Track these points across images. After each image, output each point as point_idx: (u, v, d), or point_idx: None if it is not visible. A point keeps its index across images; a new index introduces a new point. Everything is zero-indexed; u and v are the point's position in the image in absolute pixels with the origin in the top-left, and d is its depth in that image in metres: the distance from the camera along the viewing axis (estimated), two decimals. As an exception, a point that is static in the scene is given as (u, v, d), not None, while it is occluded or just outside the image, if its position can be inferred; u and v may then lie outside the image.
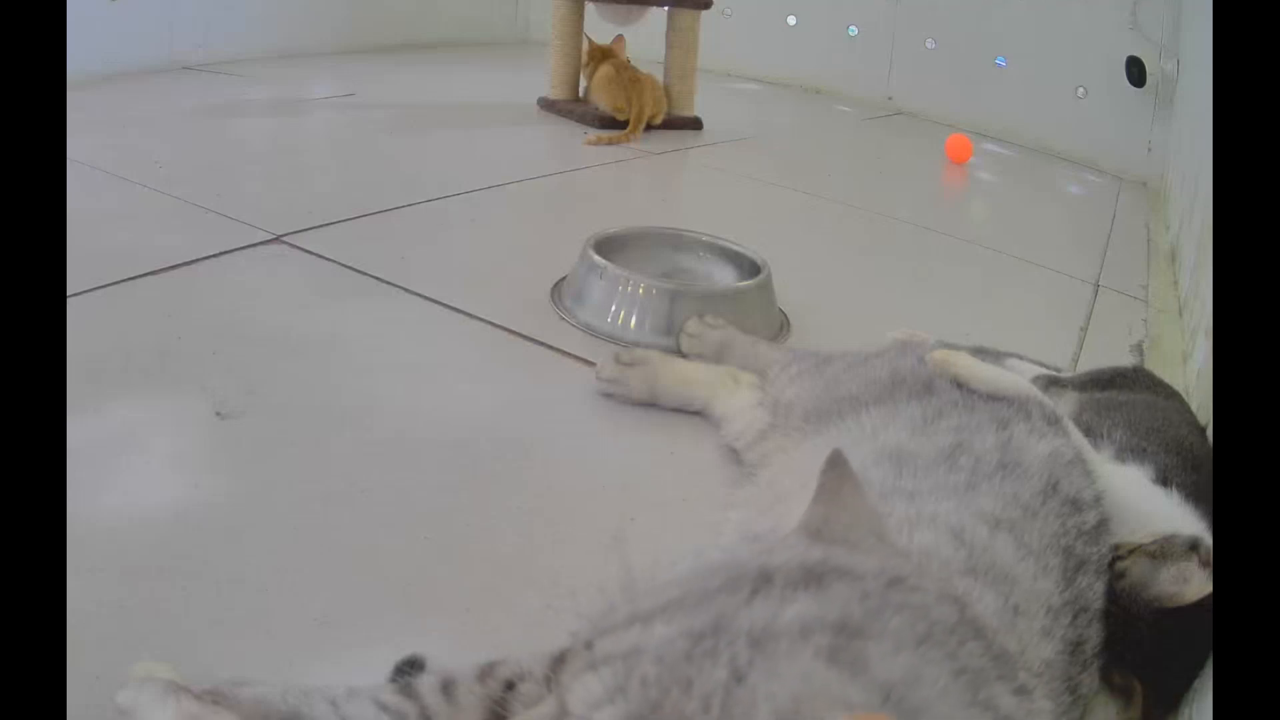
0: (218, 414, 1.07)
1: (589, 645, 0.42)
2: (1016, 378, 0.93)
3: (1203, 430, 1.00)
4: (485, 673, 0.64)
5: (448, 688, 0.63)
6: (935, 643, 0.38)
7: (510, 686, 0.63)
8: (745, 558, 0.43)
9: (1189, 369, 1.50)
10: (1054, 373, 1.12)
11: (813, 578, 0.40)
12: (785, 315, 1.50)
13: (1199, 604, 0.72)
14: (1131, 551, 0.76)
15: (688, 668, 0.37)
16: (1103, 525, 0.77)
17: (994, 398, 0.88)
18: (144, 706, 0.63)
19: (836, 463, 0.50)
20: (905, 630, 0.38)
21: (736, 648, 0.37)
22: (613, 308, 1.39)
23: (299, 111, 2.63)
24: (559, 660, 0.63)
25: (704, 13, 2.80)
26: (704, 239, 1.58)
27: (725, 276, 1.53)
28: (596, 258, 1.42)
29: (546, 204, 2.10)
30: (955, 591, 0.42)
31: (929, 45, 3.46)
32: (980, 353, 1.04)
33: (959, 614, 0.40)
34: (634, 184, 2.33)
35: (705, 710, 0.36)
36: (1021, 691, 0.40)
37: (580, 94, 2.83)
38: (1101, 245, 2.23)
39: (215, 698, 0.63)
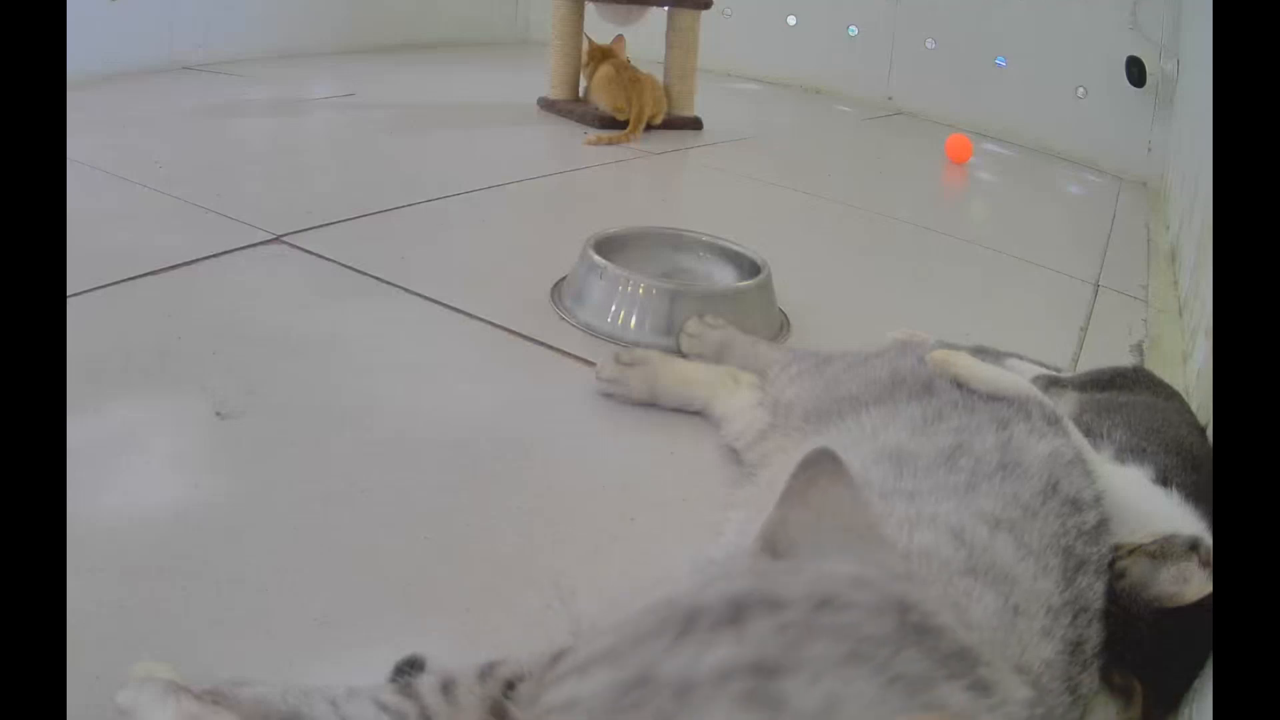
0: (218, 414, 1.07)
1: (534, 699, 0.42)
2: (1016, 378, 0.93)
3: (1203, 430, 1.00)
4: (485, 673, 0.64)
5: (448, 688, 0.63)
6: (862, 659, 0.38)
7: (511, 686, 0.63)
8: (681, 594, 0.42)
9: (1189, 369, 1.50)
10: (1054, 373, 1.12)
11: (736, 614, 0.39)
12: (785, 315, 1.50)
13: (1199, 604, 0.72)
14: (1131, 551, 0.76)
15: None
16: (1103, 525, 0.77)
17: (994, 398, 0.88)
18: (144, 706, 0.63)
19: (811, 463, 0.49)
20: (828, 654, 0.38)
21: (661, 699, 0.37)
22: (613, 308, 1.39)
23: (299, 111, 2.63)
24: (559, 659, 0.63)
25: (704, 13, 2.80)
26: (704, 239, 1.58)
27: (725, 276, 1.53)
28: (596, 258, 1.42)
29: (546, 204, 2.10)
30: (900, 596, 0.40)
31: (929, 45, 3.46)
32: (980, 353, 1.04)
33: (896, 622, 0.39)
34: (634, 184, 2.33)
35: None
36: (978, 686, 0.39)
37: (580, 94, 2.83)
38: (1101, 245, 2.23)
39: (215, 698, 0.63)
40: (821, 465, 0.48)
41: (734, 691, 0.36)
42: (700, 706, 0.36)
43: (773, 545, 0.46)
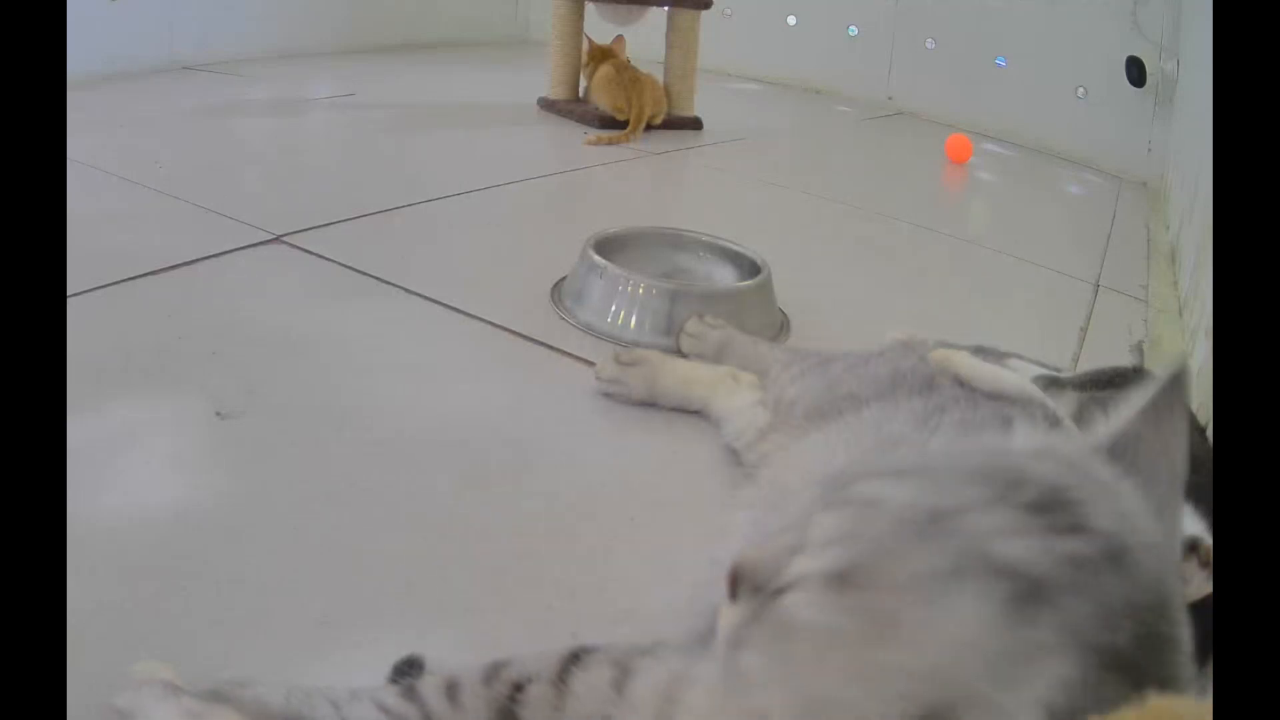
0: (218, 414, 1.07)
1: (845, 485, 0.45)
2: (1018, 377, 0.93)
3: (1203, 430, 1.00)
4: (491, 674, 0.63)
5: (452, 690, 0.63)
6: (1113, 628, 0.39)
7: (518, 689, 0.62)
8: (1012, 455, 0.44)
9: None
10: (1054, 373, 1.11)
11: (1053, 506, 0.41)
12: (785, 315, 1.50)
13: (1199, 604, 0.72)
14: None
15: (911, 543, 0.41)
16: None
17: (995, 396, 0.88)
18: (144, 706, 0.63)
19: (1179, 380, 0.48)
20: (1083, 612, 0.39)
21: (951, 545, 0.40)
22: (613, 308, 1.39)
23: (299, 111, 2.63)
24: (569, 660, 0.63)
25: (704, 13, 2.79)
26: (704, 239, 1.58)
27: (725, 276, 1.53)
28: (596, 258, 1.42)
29: (546, 204, 2.10)
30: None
31: (929, 45, 3.46)
32: (980, 353, 1.04)
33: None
34: (634, 184, 2.33)
35: (907, 587, 0.39)
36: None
37: (580, 94, 2.83)
38: (1101, 245, 2.23)
39: (224, 698, 0.63)
40: (1179, 396, 0.48)
41: (1003, 593, 0.39)
42: (968, 588, 0.39)
43: (1117, 453, 0.46)
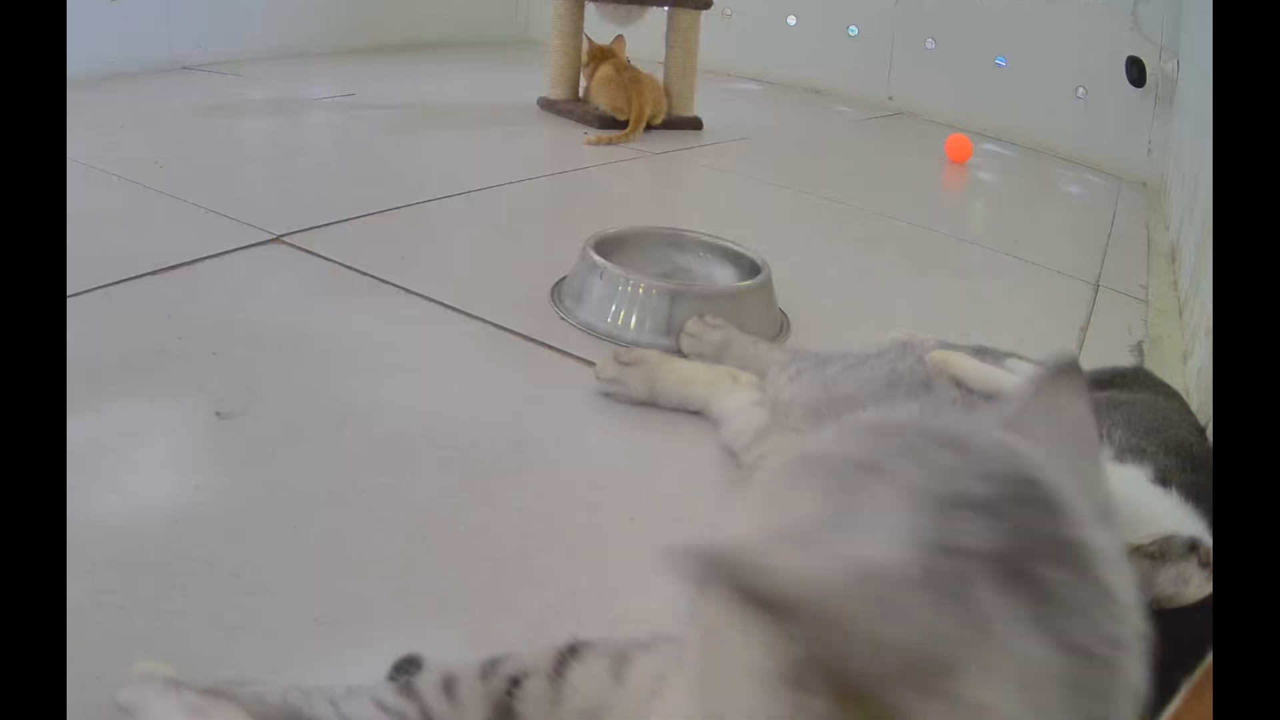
0: (218, 414, 1.07)
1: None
2: (1015, 378, 0.93)
3: (1202, 431, 1.00)
4: (488, 670, 0.64)
5: (449, 686, 0.63)
6: (929, 494, 0.39)
7: (515, 683, 0.62)
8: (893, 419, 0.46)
9: (1189, 369, 1.50)
10: (1054, 373, 1.11)
11: (882, 429, 0.42)
12: (785, 315, 1.50)
13: (1199, 604, 0.72)
14: (1130, 552, 0.76)
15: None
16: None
17: (993, 398, 0.88)
18: (146, 702, 0.63)
19: (1060, 371, 0.48)
20: (913, 479, 0.39)
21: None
22: (613, 308, 1.39)
23: (299, 111, 2.63)
24: (566, 654, 0.63)
25: (704, 13, 2.79)
26: (704, 239, 1.58)
27: (725, 276, 1.53)
28: (596, 258, 1.42)
29: (546, 204, 2.10)
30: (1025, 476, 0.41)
31: (929, 45, 3.46)
32: (980, 353, 1.04)
33: (994, 490, 0.40)
34: (634, 184, 2.33)
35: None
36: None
37: (580, 94, 2.83)
38: (1101, 245, 2.23)
39: (219, 694, 0.63)
40: (1068, 377, 0.48)
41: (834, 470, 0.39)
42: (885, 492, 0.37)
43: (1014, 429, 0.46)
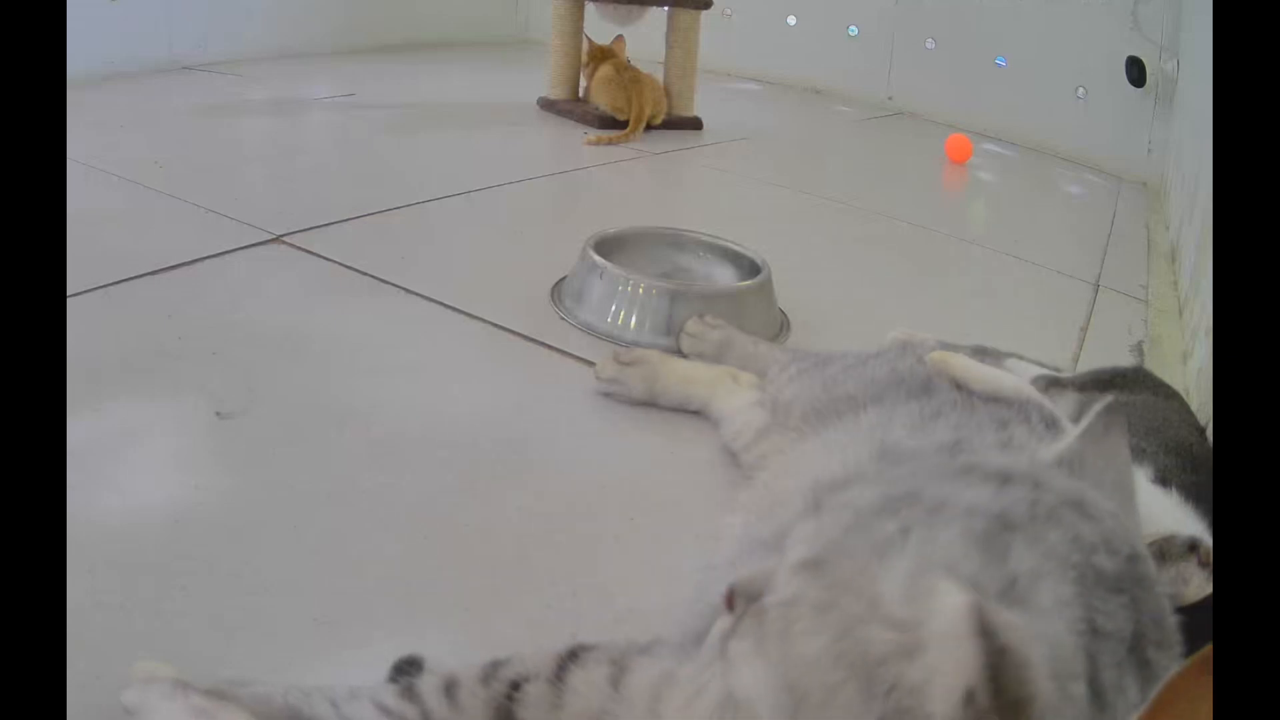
0: (218, 414, 1.07)
1: (818, 505, 0.50)
2: (1015, 379, 0.93)
3: (1202, 430, 1.00)
4: (489, 674, 0.63)
5: (450, 689, 0.63)
6: (1075, 564, 0.43)
7: (515, 688, 0.62)
8: (973, 459, 0.51)
9: (1189, 369, 1.50)
10: (1054, 373, 1.12)
11: (1003, 477, 0.46)
12: (785, 315, 1.50)
13: (1199, 604, 0.72)
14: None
15: (873, 519, 0.46)
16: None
17: (992, 399, 0.88)
18: (150, 704, 0.63)
19: (1111, 413, 0.53)
20: (1056, 541, 0.43)
21: (914, 511, 0.45)
22: (613, 308, 1.39)
23: (299, 111, 2.63)
24: (567, 659, 0.63)
25: (704, 13, 2.79)
26: (704, 239, 1.58)
27: (725, 276, 1.53)
28: (596, 258, 1.42)
29: (546, 204, 2.10)
30: (1136, 549, 0.46)
31: (929, 45, 3.46)
32: (980, 353, 1.04)
33: (1124, 560, 0.45)
34: (634, 184, 2.33)
35: (867, 555, 0.44)
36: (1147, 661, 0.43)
37: (580, 94, 2.83)
38: (1101, 245, 2.23)
39: (221, 695, 0.63)
40: (1117, 421, 0.53)
41: (972, 526, 0.43)
42: (940, 526, 0.43)
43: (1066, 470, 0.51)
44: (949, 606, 0.39)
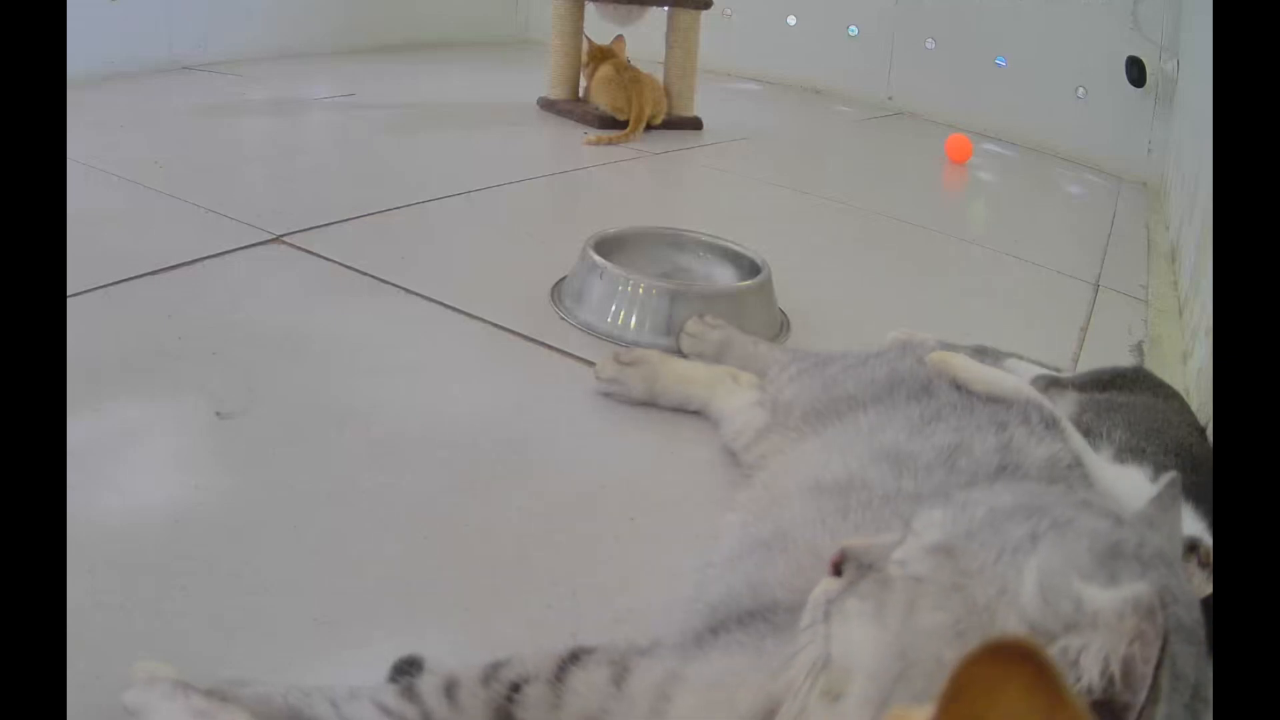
0: (218, 414, 1.07)
1: (946, 495, 0.54)
2: (1015, 380, 0.93)
3: (1202, 431, 1.00)
4: (489, 675, 0.63)
5: (450, 690, 0.63)
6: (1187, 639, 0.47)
7: (515, 689, 0.62)
8: (1087, 495, 0.56)
9: (1189, 369, 1.50)
10: (1054, 373, 1.11)
11: (1116, 517, 0.51)
12: (785, 315, 1.50)
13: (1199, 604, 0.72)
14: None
15: (1005, 521, 0.49)
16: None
17: (992, 400, 0.88)
18: (152, 705, 0.63)
19: (1174, 485, 0.60)
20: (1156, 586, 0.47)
21: (1043, 522, 0.49)
22: (613, 308, 1.39)
23: (299, 111, 2.63)
24: (567, 660, 0.63)
25: (704, 13, 2.79)
26: (704, 239, 1.58)
27: (725, 276, 1.53)
28: (596, 258, 1.42)
29: (546, 204, 2.10)
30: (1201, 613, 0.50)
31: (929, 45, 3.46)
32: (980, 353, 1.04)
33: (1194, 621, 0.49)
34: (634, 184, 2.33)
35: (999, 551, 0.48)
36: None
37: (580, 94, 2.83)
38: (1101, 245, 2.23)
39: (225, 697, 0.63)
40: (1177, 494, 0.59)
41: (1094, 546, 0.47)
42: (1061, 537, 0.48)
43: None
44: (1138, 590, 0.43)
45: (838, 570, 0.53)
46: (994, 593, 0.46)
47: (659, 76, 2.78)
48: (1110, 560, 0.47)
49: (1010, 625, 0.46)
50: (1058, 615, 0.45)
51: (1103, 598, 0.44)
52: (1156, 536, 0.52)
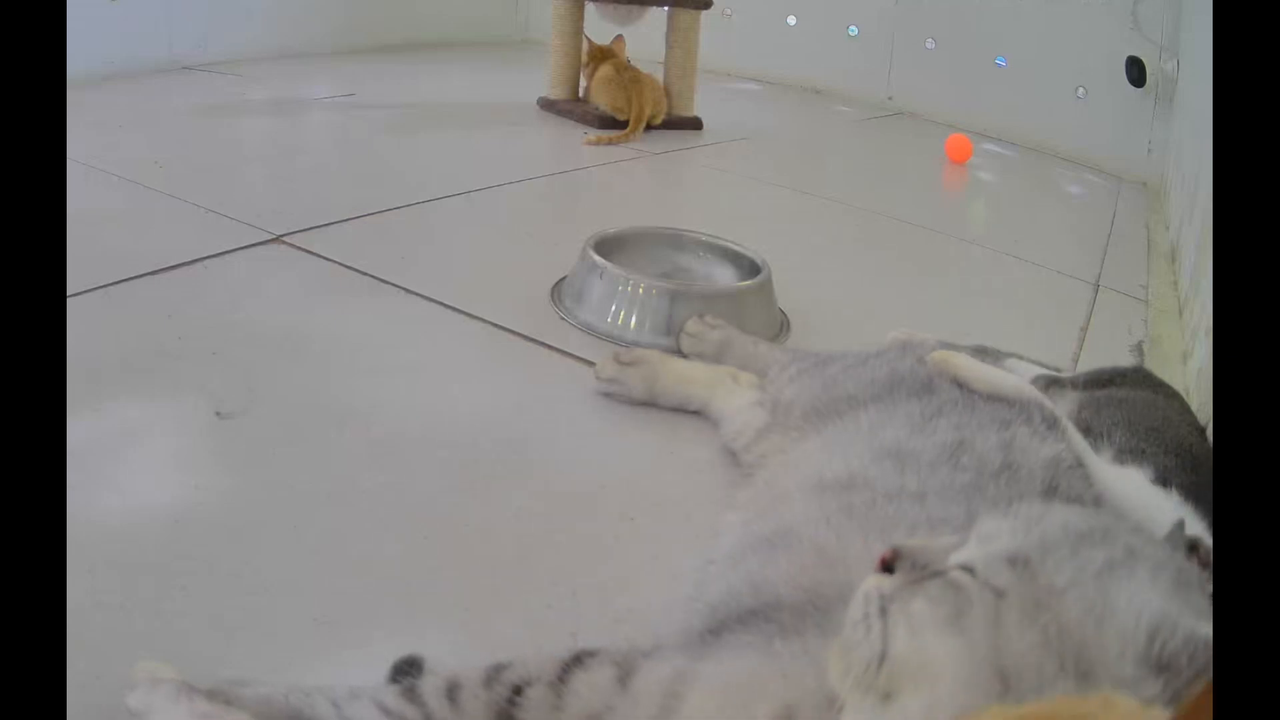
0: (218, 414, 1.07)
1: (1009, 502, 0.55)
2: (1016, 379, 0.93)
3: (1202, 431, 1.00)
4: (491, 677, 0.63)
5: (452, 692, 0.63)
6: None
7: (518, 691, 0.62)
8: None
9: (1189, 369, 1.50)
10: (1054, 373, 1.12)
11: (1163, 543, 0.53)
12: (785, 315, 1.50)
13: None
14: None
15: (1079, 543, 0.49)
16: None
17: (993, 399, 0.88)
18: (156, 708, 0.63)
19: (1181, 526, 0.63)
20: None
21: (1116, 549, 0.49)
22: (613, 308, 1.39)
23: (299, 111, 2.63)
24: (570, 663, 0.63)
25: (704, 13, 2.79)
26: (704, 239, 1.58)
27: (725, 276, 1.53)
28: (596, 258, 1.42)
29: (546, 204, 2.10)
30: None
31: (929, 45, 3.46)
32: (980, 353, 1.04)
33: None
34: (634, 184, 2.33)
35: (1081, 571, 0.48)
36: None
37: (580, 94, 2.83)
38: (1101, 245, 2.23)
39: (226, 698, 0.63)
40: (1182, 536, 0.61)
41: (1167, 574, 0.49)
42: (1140, 566, 0.48)
43: None
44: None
45: (887, 567, 0.53)
46: (1083, 614, 0.47)
47: (659, 76, 2.78)
48: (1180, 589, 0.48)
49: (1113, 653, 0.46)
50: (1171, 651, 0.45)
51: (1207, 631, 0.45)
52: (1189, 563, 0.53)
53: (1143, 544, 0.51)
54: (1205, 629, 0.45)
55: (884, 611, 0.50)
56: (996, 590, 0.48)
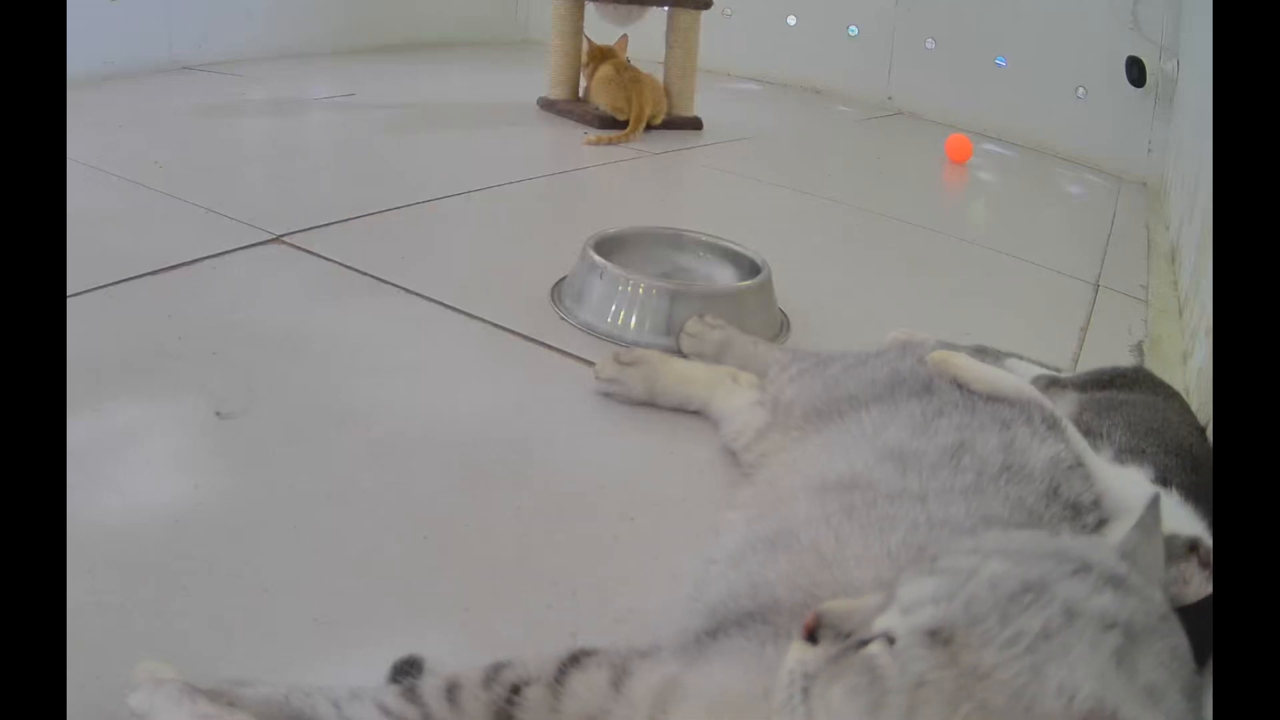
0: (218, 414, 1.07)
1: (934, 558, 0.50)
2: (1016, 379, 0.93)
3: (1202, 431, 1.00)
4: (490, 677, 0.63)
5: (452, 692, 0.63)
6: (1180, 674, 0.46)
7: (516, 691, 0.62)
8: (1070, 545, 0.52)
9: (1189, 369, 1.50)
10: (1054, 373, 1.12)
11: (1118, 582, 0.48)
12: (785, 315, 1.50)
13: (1199, 605, 0.72)
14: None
15: (1010, 605, 0.45)
16: (1101, 528, 0.77)
17: (993, 399, 0.88)
18: (159, 708, 0.62)
19: (1155, 505, 0.58)
20: (1164, 649, 0.46)
21: (1052, 611, 0.45)
22: (613, 308, 1.39)
23: (299, 111, 2.63)
24: (568, 663, 0.63)
25: (704, 13, 2.79)
26: (704, 239, 1.58)
27: (725, 276, 1.53)
28: (596, 258, 1.42)
29: (546, 204, 2.10)
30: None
31: (929, 45, 3.46)
32: (980, 353, 1.04)
33: (1196, 680, 0.47)
34: (634, 184, 2.33)
35: (1010, 645, 0.44)
36: None
37: (580, 94, 2.83)
38: (1101, 245, 2.23)
39: (229, 699, 0.63)
40: (1154, 510, 0.58)
41: (1111, 644, 0.45)
42: (1081, 638, 0.44)
43: (1126, 559, 0.53)
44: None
45: (811, 635, 0.50)
46: (1009, 701, 0.43)
47: (659, 76, 2.78)
48: (1129, 652, 0.45)
49: None
50: None
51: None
52: (1155, 592, 0.50)
53: (1086, 594, 0.46)
54: (1146, 715, 0.43)
55: (806, 694, 0.48)
56: (916, 678, 0.45)
